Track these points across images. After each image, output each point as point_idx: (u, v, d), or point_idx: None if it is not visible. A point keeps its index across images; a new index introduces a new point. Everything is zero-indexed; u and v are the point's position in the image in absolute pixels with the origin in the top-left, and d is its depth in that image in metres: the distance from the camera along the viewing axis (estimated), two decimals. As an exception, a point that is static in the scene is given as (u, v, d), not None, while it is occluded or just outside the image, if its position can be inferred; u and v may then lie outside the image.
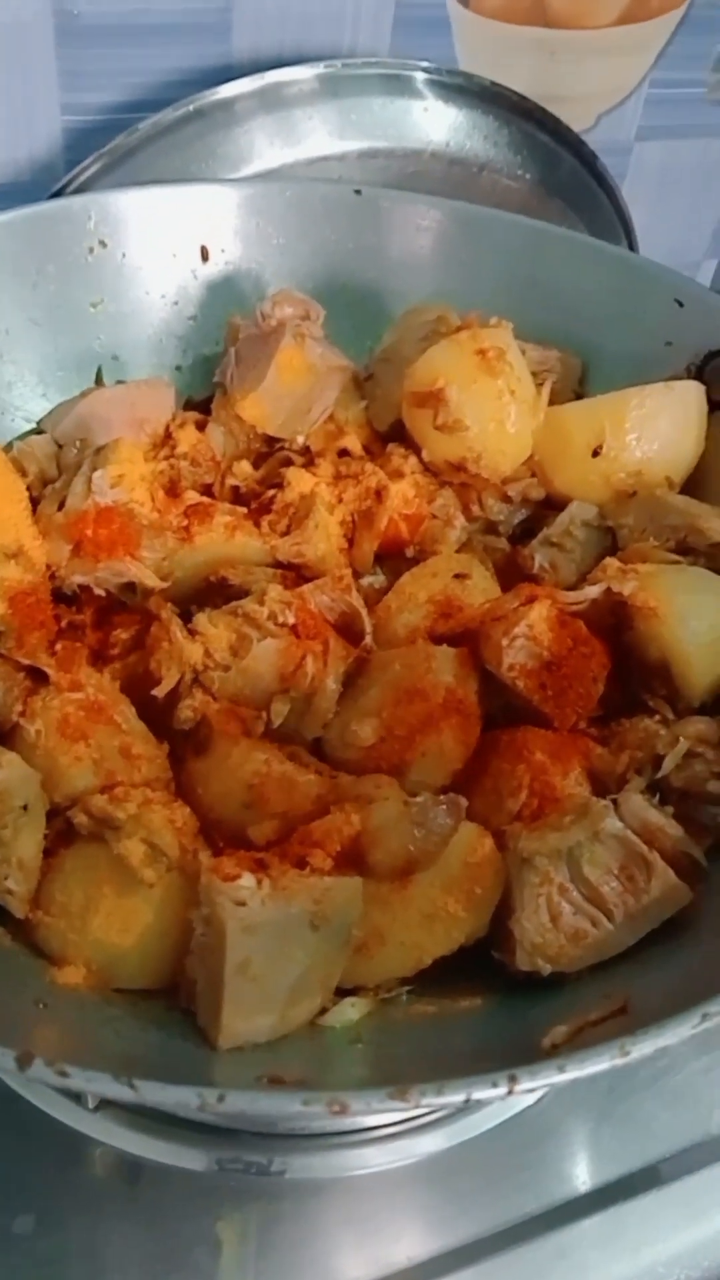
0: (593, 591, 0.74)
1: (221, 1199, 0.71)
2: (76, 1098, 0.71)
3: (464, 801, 0.64)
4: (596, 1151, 0.76)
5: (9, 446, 0.84)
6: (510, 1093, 0.41)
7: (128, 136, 0.99)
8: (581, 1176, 0.76)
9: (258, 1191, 0.72)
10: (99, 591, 0.76)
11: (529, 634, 0.71)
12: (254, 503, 0.85)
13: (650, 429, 0.82)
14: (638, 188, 1.41)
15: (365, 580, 0.84)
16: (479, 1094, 0.41)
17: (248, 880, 0.57)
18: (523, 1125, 0.76)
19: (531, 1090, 0.42)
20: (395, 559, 0.85)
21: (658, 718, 0.72)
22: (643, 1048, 0.45)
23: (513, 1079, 0.42)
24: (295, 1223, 0.71)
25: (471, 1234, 0.72)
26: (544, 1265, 0.71)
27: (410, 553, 0.85)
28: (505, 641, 0.71)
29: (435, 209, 0.97)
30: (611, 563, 0.76)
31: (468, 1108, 0.71)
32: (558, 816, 0.63)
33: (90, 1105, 0.69)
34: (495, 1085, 0.42)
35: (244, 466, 0.86)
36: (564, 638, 0.72)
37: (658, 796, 0.66)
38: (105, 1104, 0.70)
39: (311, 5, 1.10)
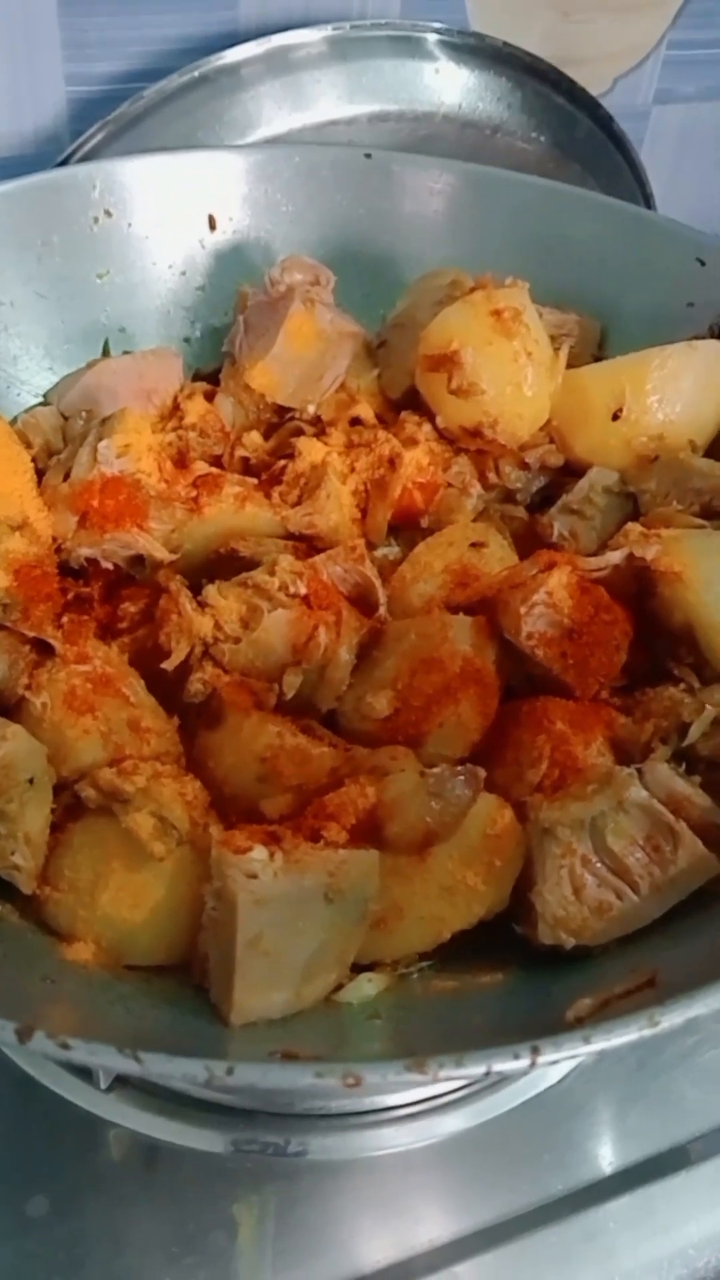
0: (615, 557, 0.71)
1: (239, 1181, 0.69)
2: (89, 1078, 0.69)
3: (482, 772, 0.62)
4: (624, 1131, 0.74)
5: (15, 420, 0.82)
6: (533, 1065, 0.40)
7: (132, 104, 0.97)
8: (608, 1157, 0.74)
9: (275, 1173, 0.70)
10: (107, 565, 0.74)
11: (548, 601, 0.69)
12: (264, 474, 0.83)
13: (672, 390, 0.80)
14: (656, 152, 1.38)
15: (380, 551, 0.82)
16: (499, 1065, 0.40)
17: (259, 853, 0.56)
18: (547, 1104, 0.74)
19: (554, 1062, 0.40)
20: (410, 529, 0.83)
21: (683, 685, 0.69)
22: (672, 1018, 0.43)
23: (535, 1050, 0.40)
24: (314, 1204, 0.70)
25: (495, 1216, 0.71)
26: (571, 1248, 0.69)
27: (425, 523, 0.83)
28: (524, 609, 0.69)
29: (447, 172, 0.95)
30: (634, 527, 0.73)
31: (492, 1085, 0.69)
32: (580, 786, 0.61)
33: (103, 1085, 0.68)
34: (517, 1057, 0.40)
35: (254, 437, 0.85)
36: (585, 605, 0.70)
37: (684, 766, 0.64)
38: (119, 1085, 0.69)
39: (319, -32, 1.08)
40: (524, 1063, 0.40)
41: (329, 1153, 0.71)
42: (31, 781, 0.59)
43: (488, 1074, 0.39)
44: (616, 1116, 0.75)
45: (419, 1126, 0.72)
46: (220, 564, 0.77)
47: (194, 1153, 0.69)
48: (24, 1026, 0.39)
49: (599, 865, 0.59)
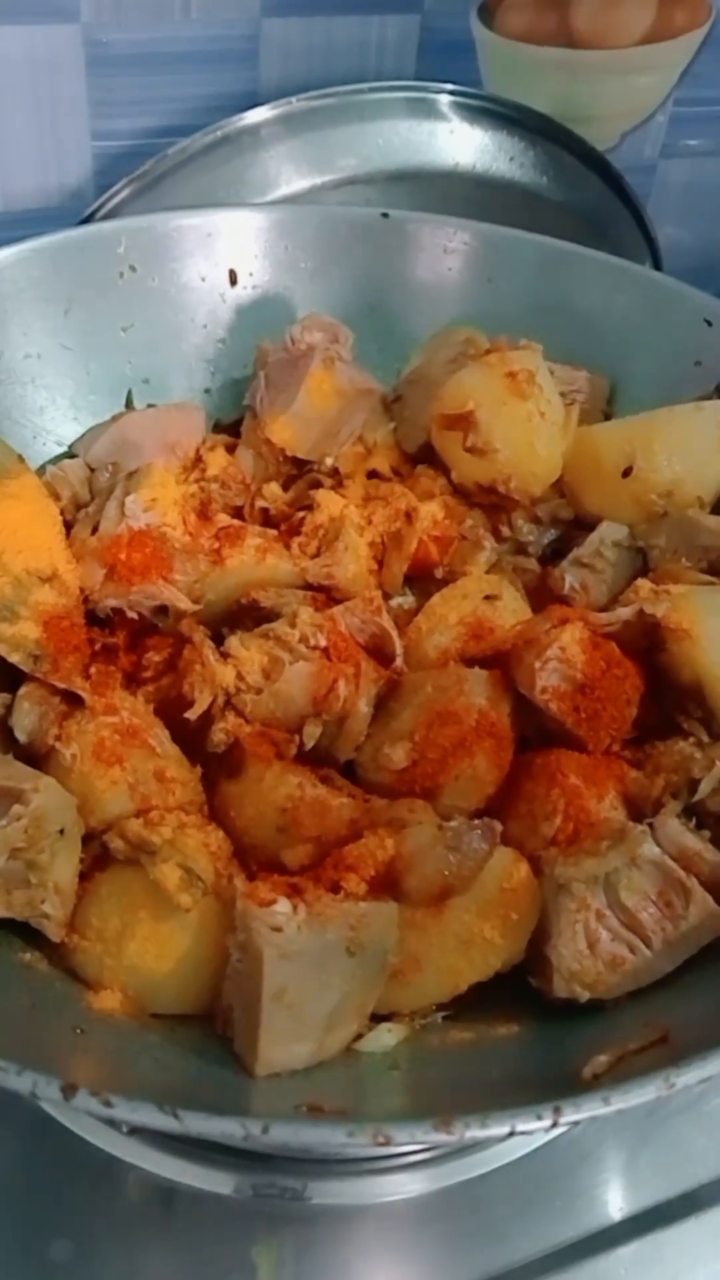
0: (625, 613, 0.73)
1: (256, 1224, 0.70)
2: (111, 1121, 0.70)
3: (499, 826, 0.63)
4: (633, 1177, 0.76)
5: (42, 470, 0.85)
6: (555, 1125, 0.41)
7: (157, 162, 1.00)
8: (618, 1203, 0.75)
9: (292, 1217, 0.71)
10: (131, 614, 0.76)
11: (561, 656, 0.71)
12: (283, 525, 0.85)
13: (681, 449, 0.82)
14: (662, 206, 1.41)
15: (394, 601, 0.84)
16: (523, 1126, 0.41)
17: (283, 906, 0.57)
18: (557, 1151, 0.75)
19: (576, 1122, 0.42)
20: (424, 580, 0.85)
21: (692, 740, 0.71)
22: (687, 1078, 0.44)
23: (557, 1110, 0.41)
24: (328, 1249, 0.71)
25: (507, 1262, 0.72)
26: (581, 1295, 0.70)
27: (440, 574, 0.85)
28: (538, 664, 0.70)
29: (462, 231, 0.98)
30: (644, 584, 0.75)
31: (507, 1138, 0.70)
32: (594, 842, 0.63)
33: (124, 1129, 0.69)
34: (540, 1117, 0.41)
35: (273, 489, 0.87)
36: (597, 660, 0.72)
37: (694, 821, 0.66)
38: (139, 1128, 0.70)
39: (337, 31, 1.12)
40: (546, 1123, 0.41)
41: (344, 1197, 0.72)
42: (62, 832, 0.61)
43: (511, 1133, 0.41)
44: (626, 1163, 0.76)
45: (431, 1173, 0.73)
46: (241, 614, 0.78)
47: (212, 1196, 0.70)
48: (68, 1085, 0.41)
49: (613, 920, 0.60)
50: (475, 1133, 0.40)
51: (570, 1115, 0.41)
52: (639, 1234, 0.73)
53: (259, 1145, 0.39)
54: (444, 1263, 0.72)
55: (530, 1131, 0.41)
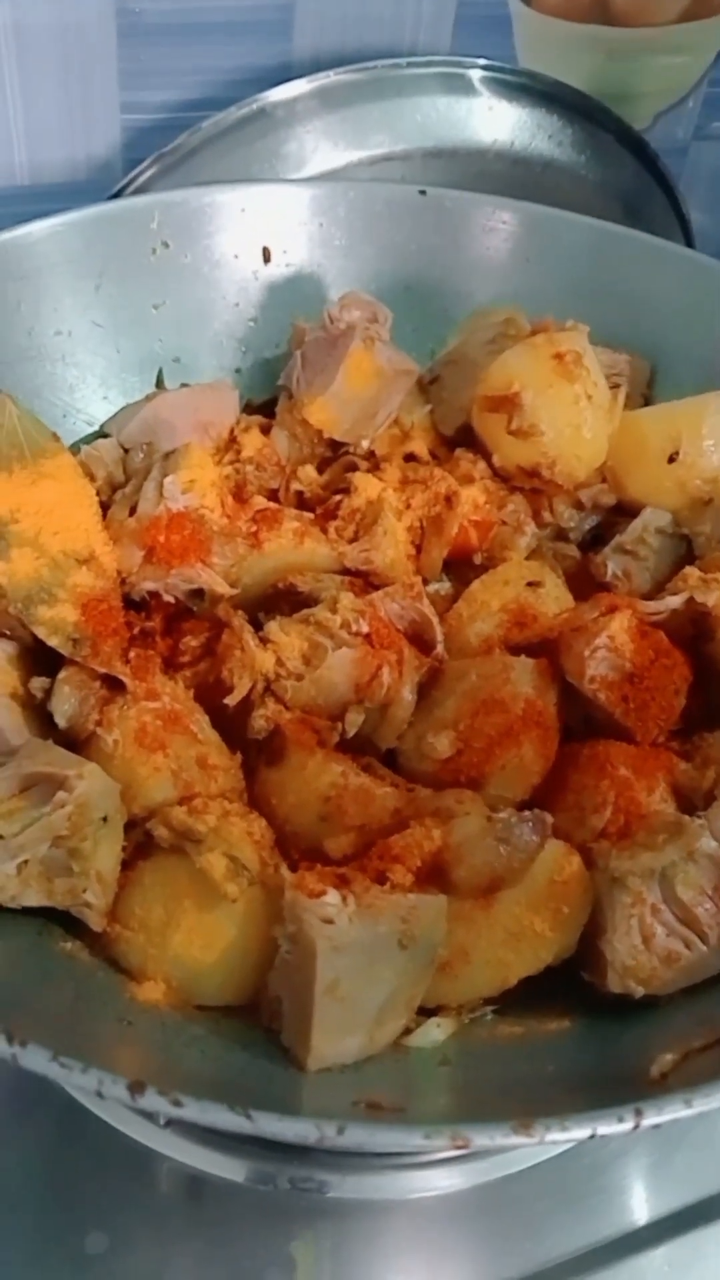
0: (674, 601, 0.72)
1: (291, 1218, 0.69)
2: (146, 1112, 0.69)
3: (550, 818, 0.62)
4: (669, 1176, 0.75)
5: (75, 449, 0.83)
6: (637, 1127, 0.40)
7: (189, 136, 0.98)
8: (653, 1202, 0.74)
9: (326, 1210, 0.70)
10: (168, 598, 0.75)
11: (610, 645, 0.70)
12: (319, 508, 0.83)
13: (728, 435, 0.81)
14: (693, 187, 1.39)
15: (431, 587, 0.82)
16: (605, 1129, 0.40)
17: (333, 897, 0.56)
18: (592, 1150, 0.74)
19: (657, 1125, 0.40)
20: (463, 565, 0.83)
21: (742, 732, 0.70)
22: (764, 1080, 0.43)
23: (639, 1113, 0.40)
24: (364, 1244, 0.70)
25: (540, 1261, 0.71)
26: (620, 1293, 0.69)
27: (479, 559, 0.83)
28: (587, 653, 0.69)
29: (502, 209, 0.96)
30: (692, 572, 0.74)
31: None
32: (649, 835, 0.62)
33: (161, 1121, 0.68)
34: (621, 1120, 0.40)
35: (309, 471, 0.85)
36: (645, 649, 0.71)
37: (747, 814, 0.64)
38: (175, 1119, 0.69)
39: (372, 4, 1.09)
40: (628, 1125, 0.40)
41: (377, 1192, 0.71)
42: (105, 820, 0.60)
43: (593, 1136, 0.40)
44: (659, 1163, 0.75)
45: (465, 1169, 0.72)
46: (277, 598, 0.77)
47: (246, 1188, 0.69)
48: (135, 1083, 0.40)
49: (668, 915, 0.59)
50: (556, 1135, 0.39)
51: (652, 1118, 0.40)
52: (675, 1234, 0.72)
53: (330, 1146, 0.38)
54: (478, 1260, 0.71)
55: (611, 1134, 0.40)
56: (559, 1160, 0.73)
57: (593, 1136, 0.40)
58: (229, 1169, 0.70)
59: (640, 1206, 0.74)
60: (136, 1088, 0.40)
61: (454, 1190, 0.72)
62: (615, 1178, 0.75)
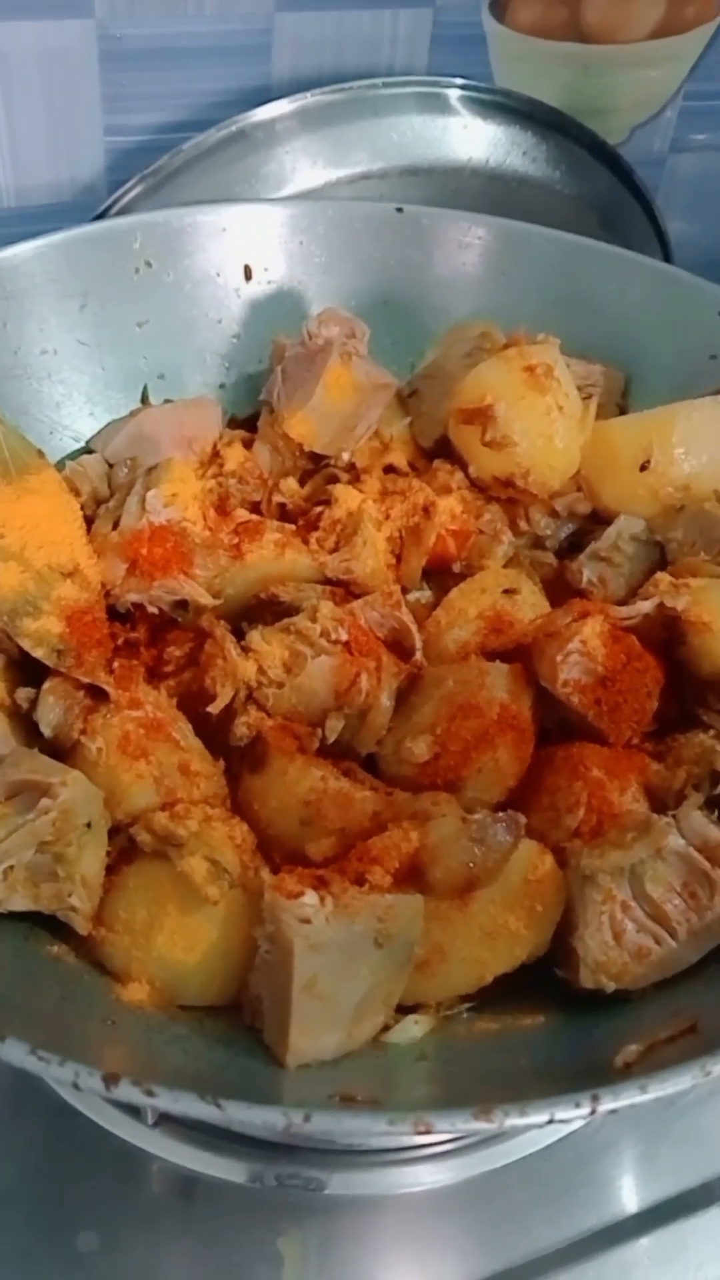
0: (645, 606, 0.74)
1: (280, 1215, 0.71)
2: (135, 1112, 0.71)
3: (523, 818, 0.64)
4: (654, 1167, 0.76)
5: (60, 465, 0.85)
6: (593, 1113, 0.41)
7: (171, 158, 1.00)
8: (638, 1193, 0.75)
9: (314, 1207, 0.72)
10: (152, 609, 0.76)
11: (583, 650, 0.71)
12: (301, 519, 0.85)
13: (698, 442, 0.82)
14: (671, 201, 1.41)
15: (412, 595, 0.84)
16: (562, 1114, 0.41)
17: (311, 898, 0.57)
18: (578, 1142, 0.76)
19: (614, 1110, 0.42)
20: (442, 574, 0.85)
21: (713, 733, 0.72)
22: (722, 1067, 0.44)
23: (595, 1099, 0.42)
24: (350, 1240, 0.71)
25: (529, 1253, 0.72)
26: (604, 1284, 0.70)
27: (457, 568, 0.85)
28: (560, 657, 0.71)
29: (476, 225, 0.98)
30: (663, 577, 0.75)
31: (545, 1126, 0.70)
32: (619, 834, 0.63)
33: (150, 1121, 0.69)
34: (578, 1105, 0.42)
35: (290, 484, 0.87)
36: (617, 653, 0.72)
37: (716, 813, 0.66)
38: (163, 1119, 0.70)
39: (349, 26, 1.12)
40: (585, 1111, 0.42)
41: (366, 1188, 0.72)
42: (89, 825, 0.61)
43: (550, 1121, 0.41)
44: (646, 1154, 0.76)
45: (453, 1164, 0.73)
46: (260, 608, 0.79)
47: (235, 1187, 0.71)
48: (110, 1074, 0.41)
49: (638, 911, 0.61)
50: (515, 1120, 0.41)
51: (608, 1103, 0.42)
52: (660, 1224, 0.74)
53: (299, 1134, 0.40)
54: (466, 1253, 0.72)
55: (568, 1120, 0.41)
56: (546, 1153, 0.75)
57: (550, 1121, 0.41)
58: (218, 1168, 0.71)
59: (626, 1199, 0.75)
60: (111, 1079, 0.41)
61: (442, 1185, 0.73)
62: (601, 1171, 0.76)
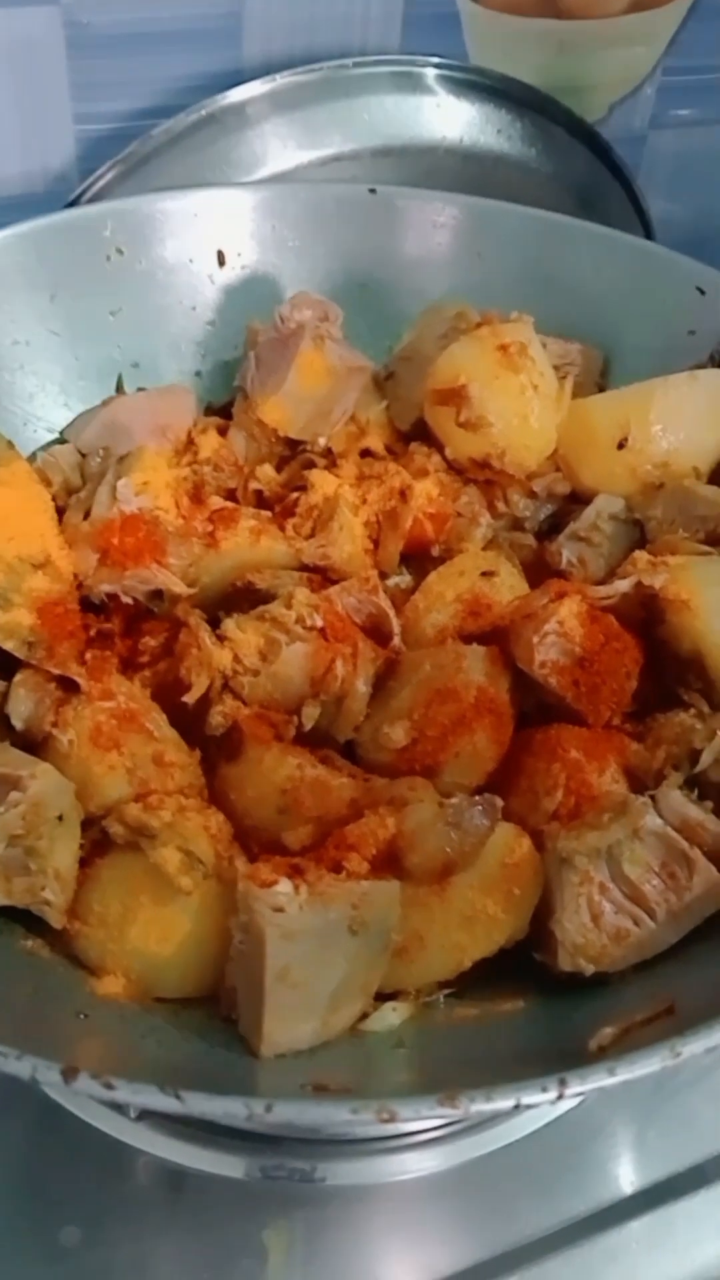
0: (623, 585, 0.73)
1: (266, 1207, 0.70)
2: (119, 1107, 0.70)
3: (499, 801, 0.63)
4: (643, 1152, 0.76)
5: (34, 457, 0.84)
6: (560, 1097, 0.41)
7: (141, 144, 0.99)
8: (629, 1177, 0.75)
9: (302, 1199, 0.71)
10: (126, 599, 0.76)
11: (560, 630, 0.71)
12: (278, 506, 0.84)
13: (676, 419, 0.82)
14: (653, 177, 1.40)
15: (391, 580, 0.83)
16: (528, 1099, 0.41)
17: (284, 886, 0.57)
18: (567, 1127, 0.75)
19: (581, 1094, 0.41)
20: (421, 558, 0.84)
21: (693, 711, 0.71)
22: (693, 1047, 0.44)
23: (562, 1083, 0.41)
24: (340, 1230, 0.71)
25: (519, 1238, 0.72)
26: (594, 1268, 0.70)
27: (436, 552, 0.84)
28: (536, 639, 0.70)
29: (450, 205, 0.97)
30: (641, 556, 0.75)
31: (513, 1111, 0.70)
32: (596, 815, 0.63)
33: (132, 1115, 0.69)
34: (545, 1090, 0.41)
35: (266, 470, 0.86)
36: (595, 633, 0.71)
37: (696, 792, 0.65)
38: (147, 1113, 0.70)
39: (320, 7, 1.10)
40: (551, 1095, 0.41)
41: (354, 1178, 0.72)
42: (61, 818, 0.61)
43: (517, 1107, 0.41)
44: (636, 1138, 0.76)
45: (441, 1151, 0.73)
46: (237, 596, 0.78)
47: (221, 1179, 0.70)
48: (68, 1068, 0.41)
49: (616, 893, 0.60)
50: (480, 1106, 0.40)
51: (576, 1087, 0.41)
52: (650, 1208, 0.73)
53: (264, 1124, 0.39)
54: (456, 1240, 0.72)
55: (536, 1104, 0.41)
56: (535, 1138, 0.74)
57: (517, 1107, 0.41)
58: (204, 1161, 0.71)
59: (616, 1183, 0.74)
60: (69, 1073, 0.41)
61: (431, 1172, 0.73)
62: (592, 1155, 0.75)
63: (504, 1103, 0.41)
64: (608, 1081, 0.42)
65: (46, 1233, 0.66)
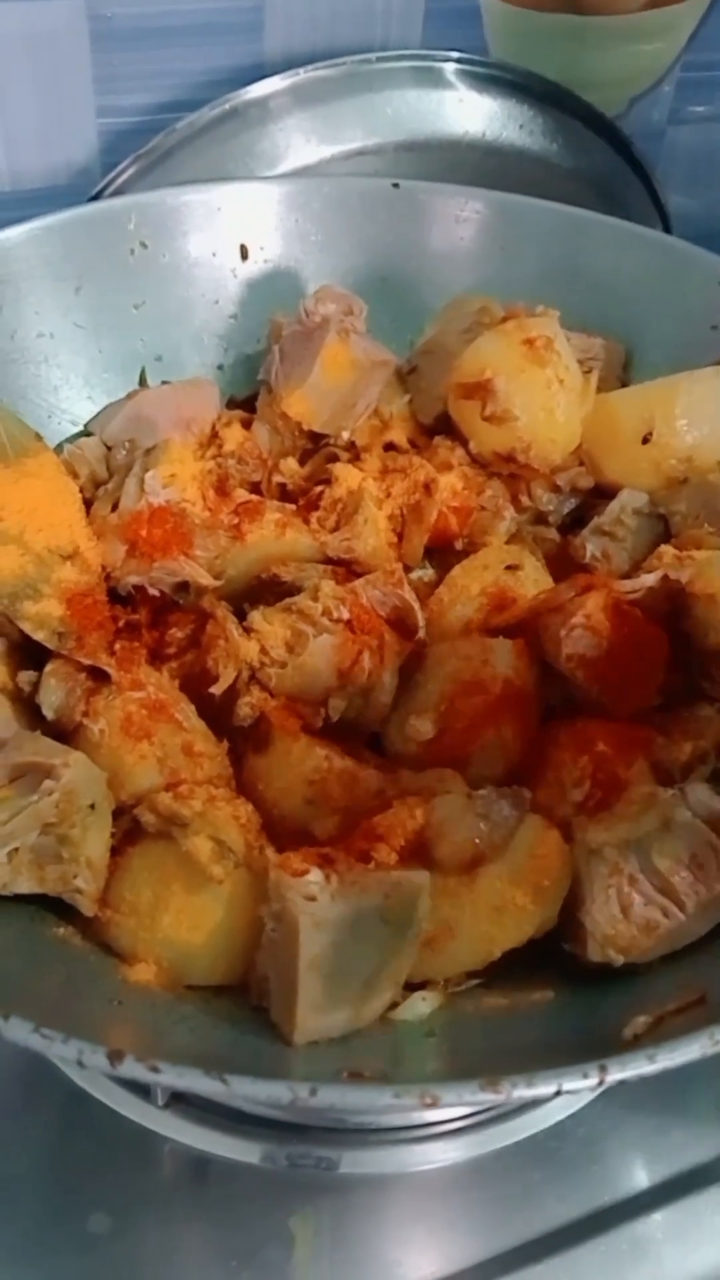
0: (649, 579, 0.73)
1: (291, 1195, 0.71)
2: (145, 1094, 0.71)
3: (528, 793, 0.63)
4: (666, 1142, 0.76)
5: (59, 449, 0.84)
6: (601, 1083, 0.41)
7: (165, 137, 0.99)
8: (651, 1168, 0.75)
9: (326, 1187, 0.72)
10: (153, 591, 0.76)
11: (586, 624, 0.71)
12: (301, 499, 0.84)
13: (700, 414, 0.82)
14: (671, 173, 1.40)
15: (414, 574, 0.84)
16: (570, 1085, 0.41)
17: (316, 875, 0.57)
18: (589, 1118, 0.76)
19: (622, 1080, 0.42)
20: (444, 552, 0.85)
21: (718, 705, 0.71)
22: (732, 1036, 0.44)
23: (603, 1069, 0.41)
24: (364, 1218, 0.71)
25: (542, 1228, 0.72)
26: (617, 1259, 0.70)
27: (460, 545, 0.84)
28: (563, 632, 0.70)
29: (473, 199, 0.97)
30: (667, 550, 0.75)
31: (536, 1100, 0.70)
32: (625, 807, 0.63)
33: (160, 1102, 0.69)
34: (586, 1076, 0.41)
35: (290, 463, 0.86)
36: (621, 627, 0.72)
37: (723, 785, 0.65)
38: (174, 1101, 0.70)
39: (341, 2, 1.10)
40: (593, 1081, 0.41)
41: (377, 1167, 0.72)
42: (93, 807, 0.61)
43: (558, 1093, 0.41)
44: (658, 1128, 0.76)
45: (464, 1141, 0.73)
46: (261, 589, 0.78)
47: (246, 1167, 0.71)
48: (114, 1051, 0.41)
49: (646, 884, 0.60)
50: (522, 1092, 0.40)
51: (616, 1074, 0.41)
52: (672, 1199, 0.74)
53: (305, 1108, 0.39)
54: (478, 1231, 0.72)
55: (577, 1090, 0.41)
56: (557, 1130, 0.75)
57: (558, 1092, 0.41)
58: (229, 1148, 0.71)
59: (638, 1174, 0.75)
60: (115, 1056, 0.41)
61: (453, 1162, 0.73)
62: (613, 1146, 0.76)
63: (545, 1088, 0.41)
64: (649, 1069, 0.42)
65: (76, 1220, 0.67)
